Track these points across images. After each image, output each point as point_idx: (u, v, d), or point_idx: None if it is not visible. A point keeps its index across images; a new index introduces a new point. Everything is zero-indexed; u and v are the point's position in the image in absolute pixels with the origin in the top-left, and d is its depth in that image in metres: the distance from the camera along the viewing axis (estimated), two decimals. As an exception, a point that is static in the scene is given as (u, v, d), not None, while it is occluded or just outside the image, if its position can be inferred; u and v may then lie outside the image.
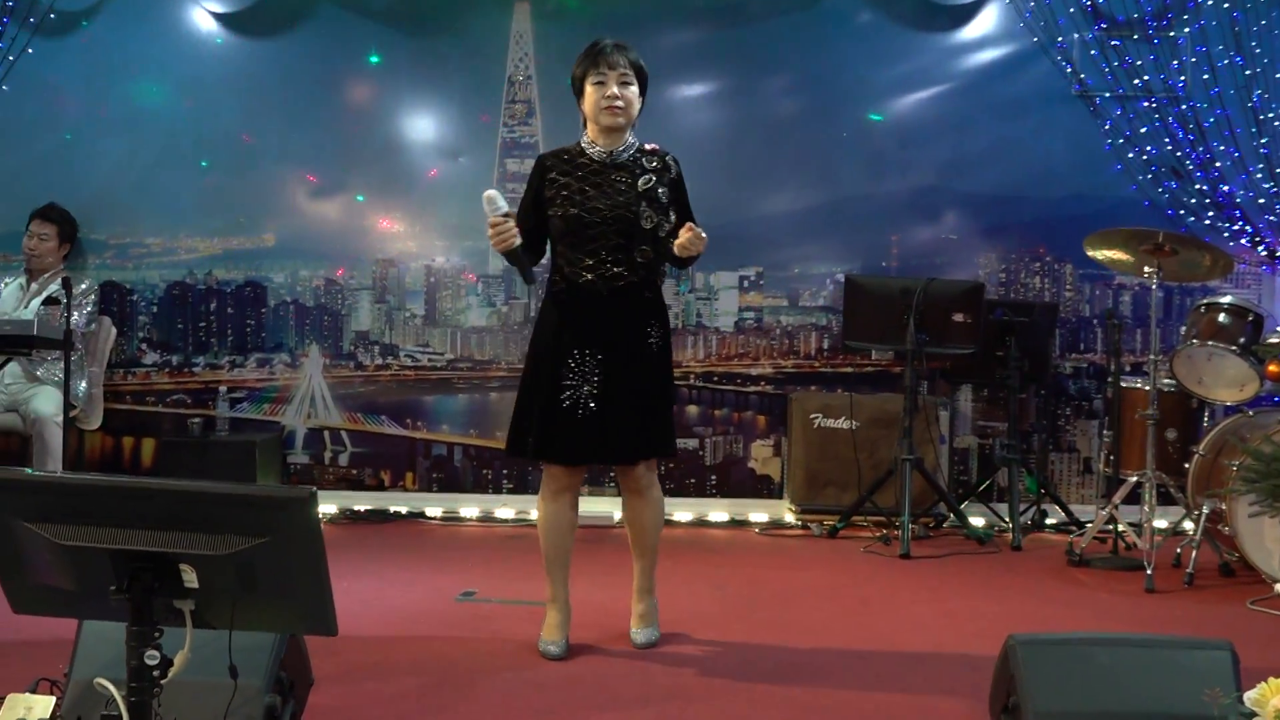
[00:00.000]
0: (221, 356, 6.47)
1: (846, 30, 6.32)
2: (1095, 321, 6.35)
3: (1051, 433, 6.31)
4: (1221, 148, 6.03)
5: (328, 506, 6.16)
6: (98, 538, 2.11)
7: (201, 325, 6.48)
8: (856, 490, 5.83)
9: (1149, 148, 6.09)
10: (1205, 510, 4.99)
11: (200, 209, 6.45)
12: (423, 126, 6.46)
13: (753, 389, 6.40)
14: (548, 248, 3.83)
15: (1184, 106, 6.03)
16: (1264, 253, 6.08)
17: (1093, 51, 6.09)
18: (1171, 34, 6.05)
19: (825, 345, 6.39)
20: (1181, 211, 6.09)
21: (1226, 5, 5.98)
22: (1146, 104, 6.07)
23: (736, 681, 3.68)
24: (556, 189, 3.70)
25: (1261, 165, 6.01)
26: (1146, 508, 5.03)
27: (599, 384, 3.64)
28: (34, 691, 2.72)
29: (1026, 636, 2.78)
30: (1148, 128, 6.09)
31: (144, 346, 6.48)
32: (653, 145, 3.77)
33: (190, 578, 2.14)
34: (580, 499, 3.95)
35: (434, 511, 6.23)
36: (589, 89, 3.68)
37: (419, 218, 6.45)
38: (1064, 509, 5.99)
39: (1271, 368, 5.06)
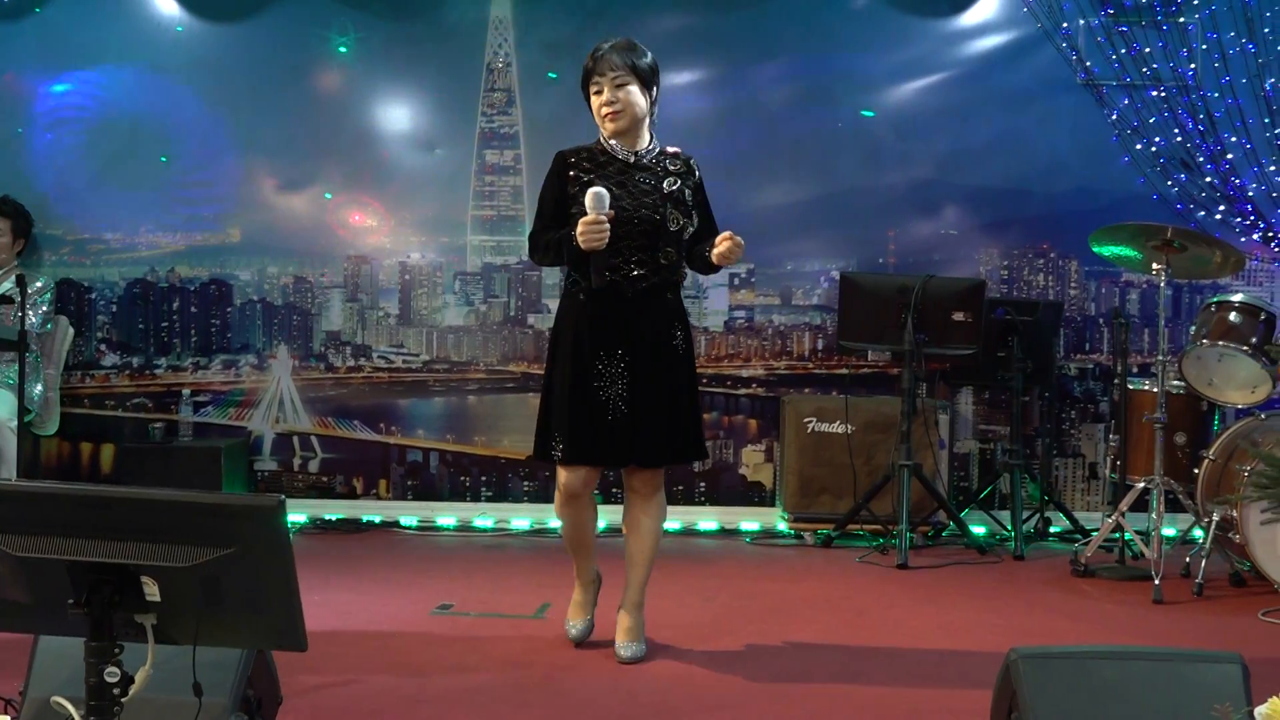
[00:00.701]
0: (185, 358, 6.46)
1: (841, 16, 6.34)
2: (1101, 321, 6.38)
3: (1055, 437, 6.33)
4: (1233, 139, 6.05)
5: (297, 515, 6.15)
6: (54, 549, 2.10)
7: (164, 325, 6.47)
8: (852, 498, 5.85)
9: (1157, 139, 6.12)
10: (1215, 518, 5.01)
11: (162, 203, 6.43)
12: (396, 117, 6.46)
13: (744, 391, 6.42)
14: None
15: (1194, 96, 6.06)
16: (1276, 248, 6.11)
17: (1099, 38, 6.11)
18: (1181, 20, 6.07)
19: (819, 346, 6.40)
20: (1191, 206, 6.12)
21: (1238, -10, 6.01)
22: (1155, 93, 6.09)
23: (726, 698, 3.69)
24: (580, 187, 3.78)
25: (1275, 157, 6.04)
26: (1154, 515, 5.05)
27: (627, 386, 3.78)
28: (-13, 711, 2.71)
29: (1029, 650, 2.79)
30: (1156, 118, 6.11)
31: (103, 348, 6.46)
32: (675, 148, 3.94)
33: (152, 590, 2.14)
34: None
35: (409, 520, 6.23)
36: (592, 96, 3.84)
37: (393, 212, 6.45)
38: (1069, 517, 6.01)
39: (1284, 369, 5.08)
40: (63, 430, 6.17)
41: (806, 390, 6.35)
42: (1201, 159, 6.07)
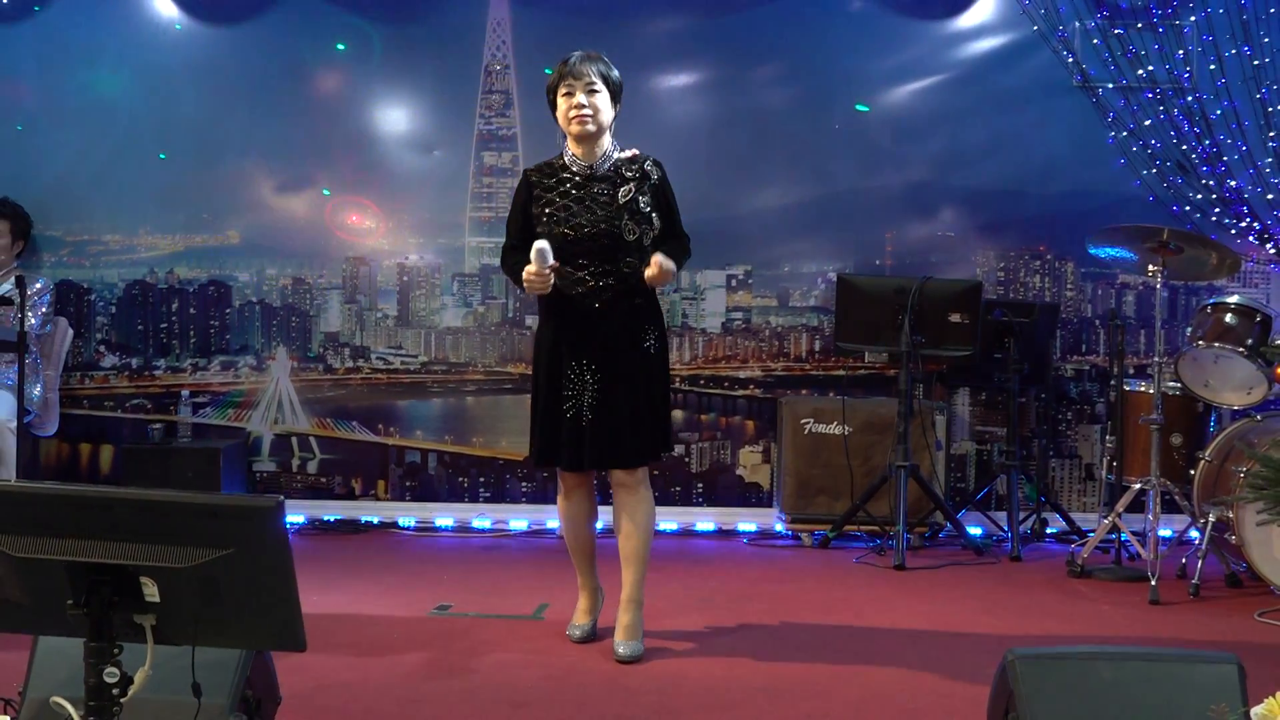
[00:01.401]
0: (184, 359, 6.45)
1: (837, 18, 6.33)
2: (1098, 322, 6.38)
3: (1052, 438, 6.33)
4: (1229, 141, 6.06)
5: (295, 516, 6.15)
6: (54, 549, 2.10)
7: (163, 326, 6.46)
8: (849, 498, 5.85)
9: (1153, 141, 6.12)
10: (1211, 519, 5.02)
11: (161, 204, 6.42)
12: (395, 118, 6.45)
13: (741, 393, 6.41)
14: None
15: (1190, 98, 6.06)
16: (1272, 250, 6.12)
17: (1095, 41, 6.11)
18: (1177, 23, 6.08)
19: (816, 347, 6.40)
20: (1187, 208, 6.12)
21: (1233, -7, 6.02)
22: (1151, 96, 6.10)
23: (724, 698, 3.69)
24: (541, 206, 3.96)
25: (1270, 160, 6.05)
26: (1151, 516, 5.06)
27: (597, 394, 3.91)
28: (-14, 711, 2.71)
29: (1026, 651, 2.80)
30: (1152, 120, 6.12)
31: (102, 349, 6.46)
32: (631, 151, 4.00)
33: (151, 591, 2.14)
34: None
35: (407, 521, 6.23)
36: (560, 100, 3.96)
37: (391, 214, 6.44)
38: (1065, 518, 6.01)
39: (1280, 370, 5.09)
40: (62, 431, 6.16)
41: (804, 391, 6.35)
42: (1197, 161, 6.08)
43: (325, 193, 6.39)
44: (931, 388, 6.23)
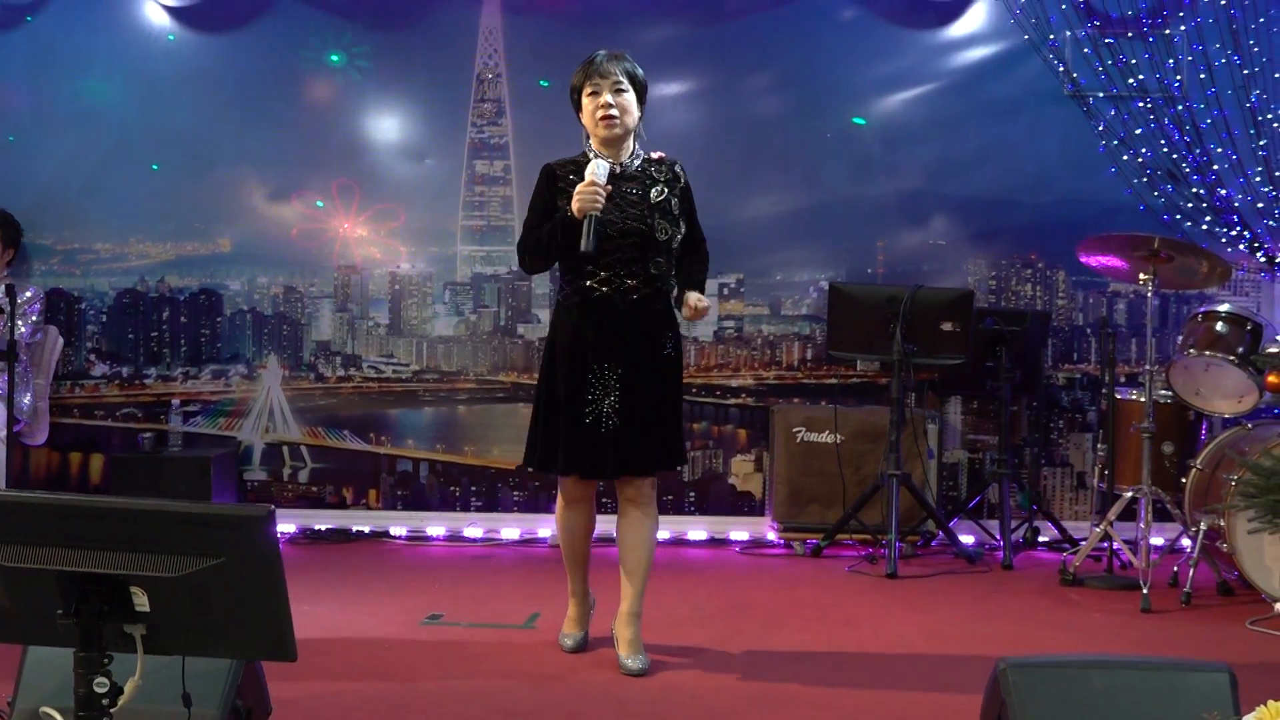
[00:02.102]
0: (174, 368, 6.44)
1: (829, 27, 6.35)
2: (1089, 331, 6.39)
3: (1044, 446, 6.34)
4: (1219, 150, 6.08)
5: (286, 525, 6.14)
6: (44, 559, 2.10)
7: (153, 335, 6.45)
8: (841, 507, 5.85)
9: (1144, 150, 6.14)
10: (1203, 527, 5.02)
11: (152, 213, 6.42)
12: (387, 127, 6.46)
13: (733, 401, 6.42)
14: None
15: (1180, 107, 6.08)
16: (1262, 259, 6.14)
17: (1086, 50, 6.14)
18: (1167, 32, 6.10)
19: (809, 356, 6.41)
20: (1178, 216, 6.14)
21: (1224, 2, 6.04)
22: (1141, 105, 6.12)
23: (716, 707, 3.69)
24: (568, 200, 3.81)
25: (1260, 168, 6.07)
26: (1142, 524, 5.07)
27: (619, 398, 3.82)
28: (-25, 722, 2.70)
29: (1018, 659, 2.80)
30: (1143, 129, 6.14)
31: (92, 357, 6.44)
32: (659, 154, 3.97)
33: (141, 601, 2.13)
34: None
35: (398, 530, 6.22)
36: (585, 101, 3.87)
37: (383, 222, 6.44)
38: (1057, 526, 6.02)
39: (1271, 378, 5.10)
40: (52, 440, 6.15)
41: (796, 400, 6.36)
42: (1188, 170, 6.10)
43: (319, 205, 6.39)
44: (923, 396, 6.24)
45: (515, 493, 6.38)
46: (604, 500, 5.66)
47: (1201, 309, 5.38)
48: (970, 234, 6.40)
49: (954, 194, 6.38)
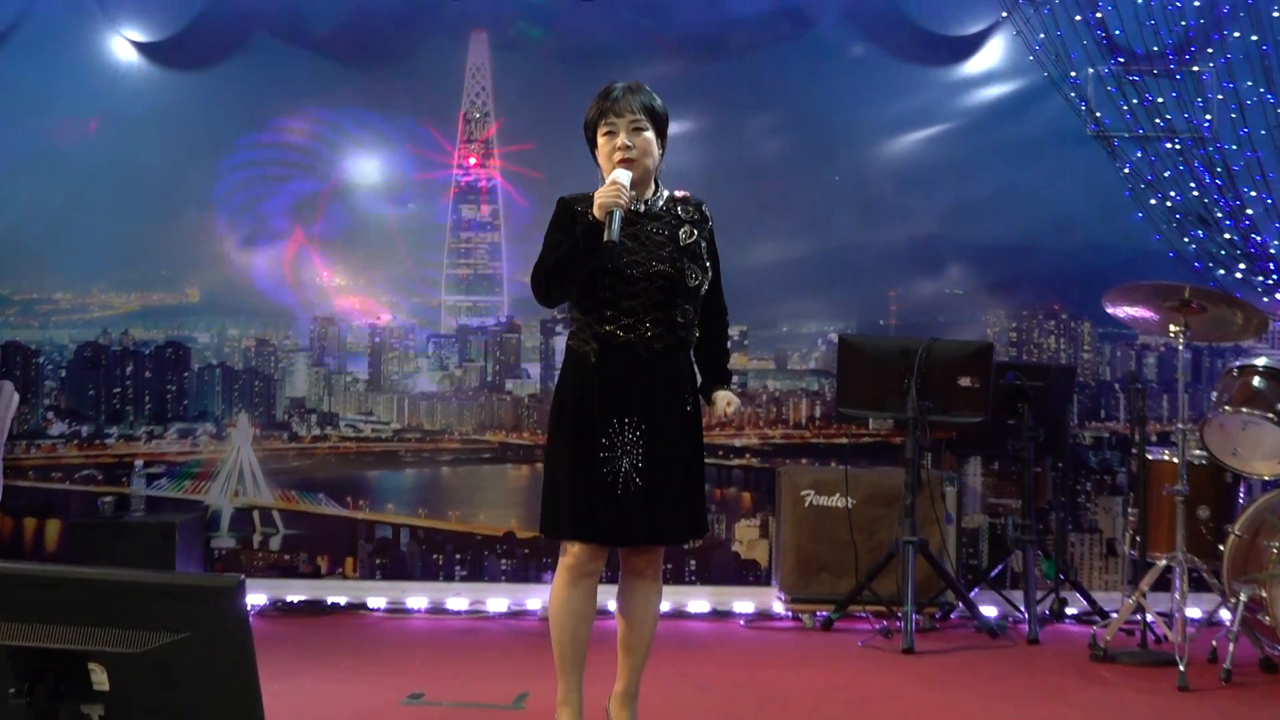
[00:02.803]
0: (138, 427, 6.44)
1: (838, 64, 6.42)
2: (1117, 386, 6.40)
3: (1070, 511, 6.33)
4: (1253, 193, 6.11)
5: (257, 596, 6.10)
6: (-6, 633, 2.08)
7: (116, 391, 6.45)
8: (854, 577, 5.82)
9: (1173, 194, 6.17)
10: (1243, 598, 4.99)
11: (116, 260, 6.46)
12: (367, 170, 6.50)
13: (736, 462, 6.41)
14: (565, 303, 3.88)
15: (1210, 148, 6.12)
16: (1301, 309, 6.15)
17: (1109, 88, 6.19)
18: (1195, 69, 6.15)
19: (817, 413, 6.41)
20: (1210, 264, 6.17)
21: (1255, 38, 6.09)
22: (1169, 146, 6.16)
23: (720, 794, 3.65)
24: None
25: (1297, 213, 6.10)
26: (1178, 595, 5.04)
27: (643, 456, 3.68)
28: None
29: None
30: (1171, 172, 6.17)
31: (50, 415, 6.44)
32: (683, 192, 3.87)
33: (100, 679, 2.12)
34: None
35: (377, 602, 6.18)
36: (600, 140, 3.74)
37: (363, 271, 6.47)
38: (1086, 597, 6.00)
39: (1313, 437, 5.09)
40: (5, 504, 6.11)
41: (804, 461, 6.35)
42: (1220, 215, 6.13)
43: (292, 254, 6.42)
44: (940, 457, 6.23)
45: (503, 561, 6.36)
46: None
47: (1237, 363, 5.38)
48: (989, 283, 6.43)
49: (971, 240, 6.42)
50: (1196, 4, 6.15)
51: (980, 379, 5.62)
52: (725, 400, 3.85)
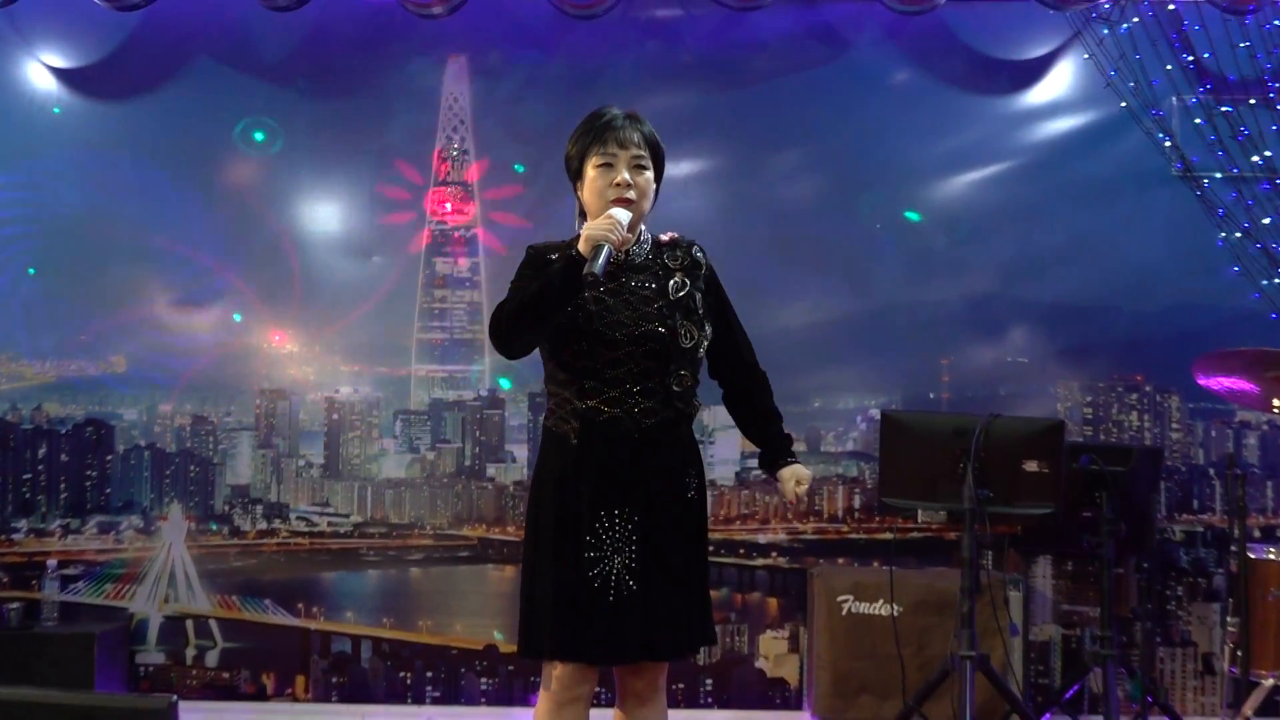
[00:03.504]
0: (51, 520, 6.43)
1: (878, 92, 6.47)
2: (1212, 471, 6.38)
3: (1159, 620, 6.28)
4: (1369, 244, 6.13)
5: (190, 723, 6.07)
6: (-121, 766, 2.07)
7: (26, 478, 6.45)
8: (900, 698, 5.77)
9: (1274, 244, 6.18)
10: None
11: (28, 324, 6.48)
12: (324, 216, 6.53)
13: (761, 562, 6.39)
14: (543, 370, 3.78)
15: (1318, 190, 6.15)
16: None
17: (1198, 120, 6.21)
18: (1299, 98, 6.19)
19: (856, 504, 6.39)
20: (1320, 326, 6.18)
21: (1368, 62, 6.14)
22: (1270, 188, 6.17)
23: None
24: None
25: None
26: (1287, 720, 5.00)
27: (635, 555, 3.61)
28: None
29: None
30: (1272, 217, 6.19)
31: (-53, 507, 6.44)
32: (670, 235, 3.79)
33: (3, 820, 2.11)
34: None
35: (333, 729, 6.17)
36: (591, 172, 3.66)
37: (318, 335, 6.48)
38: (1178, 722, 5.95)
39: None
40: (-108, 613, 6.10)
41: (841, 560, 6.33)
42: (1330, 269, 6.14)
43: (236, 318, 6.44)
44: (1003, 555, 6.20)
45: (483, 680, 6.32)
46: (599, 690, 5.60)
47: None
48: (1058, 349, 6.44)
49: (1037, 299, 6.43)
50: (1298, 22, 6.20)
51: (1049, 463, 5.58)
52: (794, 479, 3.83)
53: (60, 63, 6.46)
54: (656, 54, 6.49)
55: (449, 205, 6.48)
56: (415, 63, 6.49)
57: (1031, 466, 5.59)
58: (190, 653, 6.37)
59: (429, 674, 6.35)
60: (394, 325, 6.49)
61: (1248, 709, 5.18)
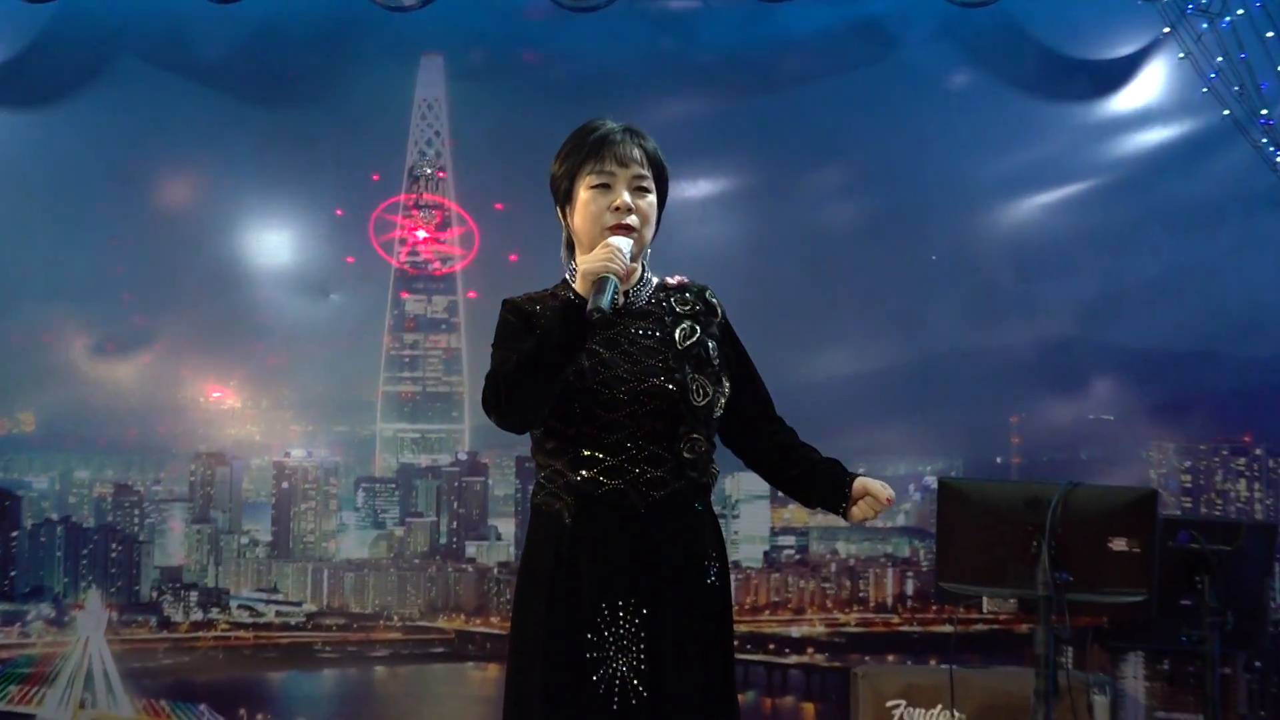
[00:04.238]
0: (-55, 609, 6.40)
1: (932, 100, 6.45)
2: (1336, 550, 6.33)
3: (1274, 729, 6.23)
4: None
5: None
6: None
7: (-85, 558, 6.43)
8: (963, 824, 5.72)
9: None
10: None
11: (-81, 375, 6.46)
12: (273, 246, 6.51)
13: (794, 659, 6.35)
14: (533, 436, 3.76)
15: None
16: None
17: (1316, 131, 6.20)
18: None
19: (908, 590, 6.35)
20: None
21: None
22: (1402, 211, 6.15)
23: None
24: None
25: None
26: None
27: (644, 656, 3.56)
28: None
29: None
30: (1406, 248, 6.16)
31: None
32: (678, 278, 3.78)
33: None
34: None
35: None
36: (584, 195, 3.59)
37: (266, 388, 6.46)
38: None
39: None
40: None
41: (890, 658, 6.29)
42: None
43: (170, 361, 6.42)
44: (1086, 652, 6.15)
45: (461, 802, 6.28)
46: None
47: None
48: (1150, 404, 6.40)
49: (1123, 344, 6.42)
50: None
51: (1141, 541, 5.53)
52: (874, 489, 3.68)
53: (-41, 63, 6.46)
54: (670, 52, 6.49)
55: (422, 233, 6.45)
56: (383, 64, 6.48)
57: (1119, 545, 5.54)
58: (110, 768, 6.32)
59: (396, 795, 6.32)
60: (356, 376, 6.47)
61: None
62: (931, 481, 6.12)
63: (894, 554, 6.38)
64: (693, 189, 6.34)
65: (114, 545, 6.42)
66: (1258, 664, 6.14)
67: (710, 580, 3.68)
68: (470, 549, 6.38)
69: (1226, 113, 6.26)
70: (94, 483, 6.46)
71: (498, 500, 6.42)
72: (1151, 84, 6.44)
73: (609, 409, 3.58)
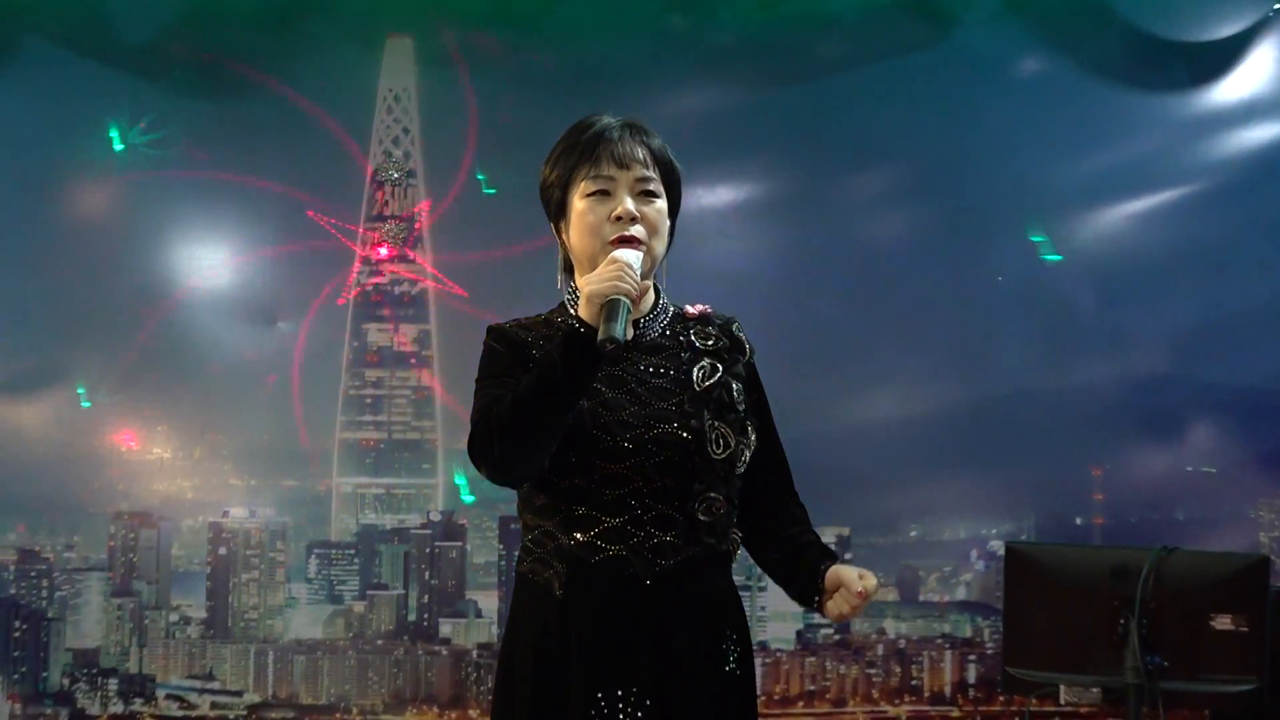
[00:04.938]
0: None
1: (998, 88, 6.42)
2: None
3: None
4: None
5: None
6: None
7: None
8: None
9: None
10: None
11: None
12: (211, 263, 6.48)
13: (834, 761, 6.29)
14: (523, 494, 3.72)
15: None
16: None
17: None
18: None
19: (970, 676, 6.31)
20: None
21: None
22: None
23: None
24: None
25: None
26: None
27: None
28: None
29: None
30: None
31: None
32: (700, 306, 3.73)
33: None
34: None
35: None
36: (579, 205, 3.55)
37: (200, 434, 6.43)
38: None
39: None
40: None
41: (949, 759, 6.23)
42: None
43: (82, 397, 6.39)
44: (1186, 751, 6.11)
45: None
46: None
47: None
48: (1259, 454, 6.37)
49: (1227, 382, 6.42)
50: None
51: (1249, 618, 5.49)
52: (855, 576, 3.64)
53: None
54: (684, 36, 6.49)
55: (384, 250, 6.42)
56: (340, 46, 6.47)
57: (1224, 623, 5.49)
58: None
59: None
60: (309, 420, 6.44)
61: None
62: (998, 547, 6.09)
63: (953, 634, 6.34)
64: (710, 196, 6.32)
65: (17, 623, 6.38)
66: (1394, 765, 6.09)
67: (729, 667, 3.64)
68: (444, 628, 6.34)
69: (1350, 105, 6.26)
70: (-8, 547, 6.41)
71: (477, 569, 6.40)
72: (1259, 72, 6.42)
73: (610, 459, 3.50)
